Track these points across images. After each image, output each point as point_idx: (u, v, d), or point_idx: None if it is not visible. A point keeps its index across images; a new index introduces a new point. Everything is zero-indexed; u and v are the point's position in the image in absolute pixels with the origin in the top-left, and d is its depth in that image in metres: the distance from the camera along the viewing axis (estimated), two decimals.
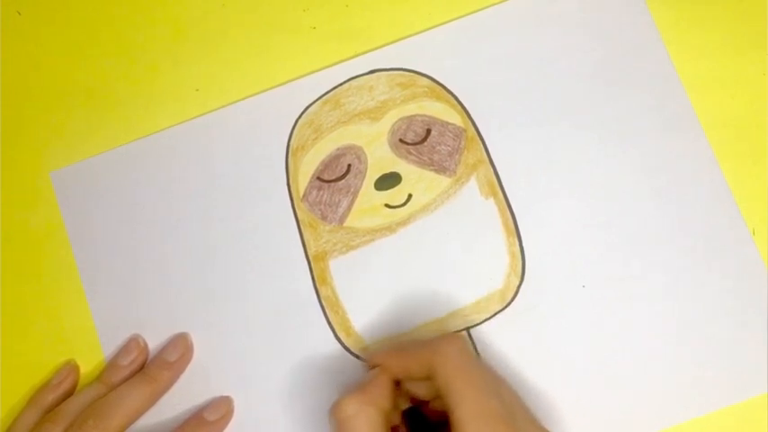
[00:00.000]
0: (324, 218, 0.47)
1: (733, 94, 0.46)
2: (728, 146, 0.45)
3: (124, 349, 0.46)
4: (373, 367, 0.41)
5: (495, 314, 0.45)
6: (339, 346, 0.46)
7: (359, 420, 0.37)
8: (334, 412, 0.38)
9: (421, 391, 0.40)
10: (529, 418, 0.38)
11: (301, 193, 0.47)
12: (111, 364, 0.46)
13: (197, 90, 0.50)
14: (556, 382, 0.44)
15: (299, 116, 0.48)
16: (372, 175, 0.47)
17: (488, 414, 0.36)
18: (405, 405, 0.41)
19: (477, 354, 0.45)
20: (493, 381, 0.38)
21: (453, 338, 0.39)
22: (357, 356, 0.45)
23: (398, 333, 0.45)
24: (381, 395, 0.39)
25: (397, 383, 0.40)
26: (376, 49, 0.49)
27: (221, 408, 0.45)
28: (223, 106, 0.49)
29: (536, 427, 0.38)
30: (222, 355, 0.46)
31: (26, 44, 0.52)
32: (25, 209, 0.49)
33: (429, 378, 0.38)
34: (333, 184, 0.47)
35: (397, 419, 0.40)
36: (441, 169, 0.47)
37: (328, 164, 0.48)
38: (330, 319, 0.46)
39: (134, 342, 0.46)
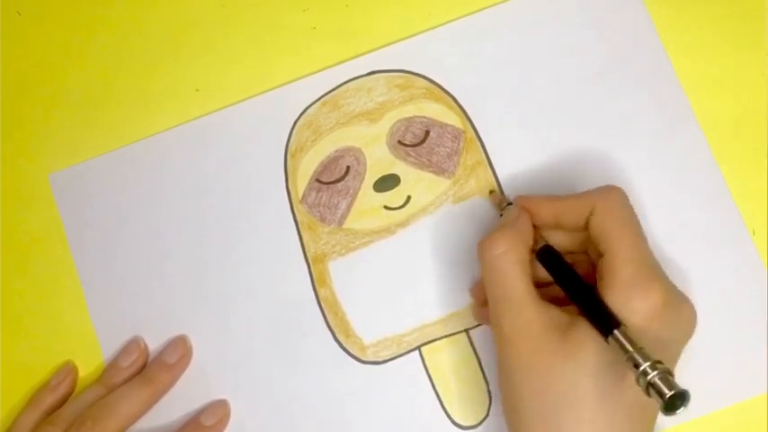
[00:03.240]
0: (323, 219, 0.47)
1: (732, 94, 0.46)
2: (727, 146, 0.45)
3: (124, 351, 0.46)
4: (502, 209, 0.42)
5: None
6: (338, 347, 0.46)
7: (510, 257, 0.38)
8: (485, 250, 0.39)
9: (560, 240, 0.41)
10: (671, 281, 0.38)
11: (300, 195, 0.47)
12: (112, 366, 0.46)
13: (197, 90, 0.50)
14: None
15: (298, 118, 0.48)
16: (371, 176, 0.47)
17: (643, 261, 0.37)
18: (538, 247, 0.40)
19: (477, 354, 0.45)
20: (646, 238, 0.39)
21: (616, 188, 0.39)
22: (356, 358, 0.45)
23: (398, 334, 0.45)
24: (528, 234, 0.40)
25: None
26: (375, 49, 0.49)
27: (218, 412, 0.45)
28: (223, 107, 0.49)
29: (678, 289, 0.38)
30: (221, 356, 0.46)
31: (26, 44, 0.52)
32: (24, 211, 0.50)
33: (577, 229, 0.39)
34: (332, 185, 0.47)
35: None
36: (439, 171, 0.47)
37: (327, 165, 0.48)
38: (329, 321, 0.46)
39: (134, 344, 0.46)
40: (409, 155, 0.47)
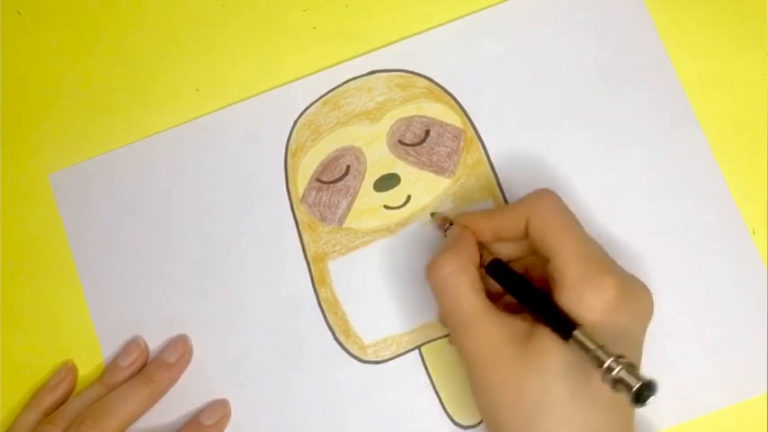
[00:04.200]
0: (323, 219, 0.47)
1: (732, 94, 0.46)
2: (728, 146, 0.45)
3: (124, 350, 0.46)
4: (445, 230, 0.42)
5: None
6: (338, 347, 0.46)
7: (457, 276, 0.38)
8: (432, 273, 0.39)
9: (507, 250, 0.41)
10: (620, 266, 0.38)
11: (300, 195, 0.47)
12: (112, 366, 0.46)
13: (197, 90, 0.50)
14: None
15: (298, 117, 0.48)
16: (371, 176, 0.47)
17: (588, 257, 0.37)
18: (486, 262, 0.40)
19: None
20: (587, 233, 0.39)
21: (546, 192, 0.39)
22: (356, 357, 0.45)
23: (398, 333, 0.45)
24: (472, 251, 0.40)
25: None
26: (375, 49, 0.49)
27: (218, 411, 0.45)
28: (223, 107, 0.49)
29: (629, 274, 0.38)
30: (221, 356, 0.46)
31: (26, 44, 0.52)
32: (24, 211, 0.50)
33: (520, 238, 0.39)
34: (332, 185, 0.47)
35: None
36: (440, 170, 0.47)
37: (327, 165, 0.48)
38: (329, 321, 0.46)
39: (134, 343, 0.47)
40: (409, 154, 0.47)
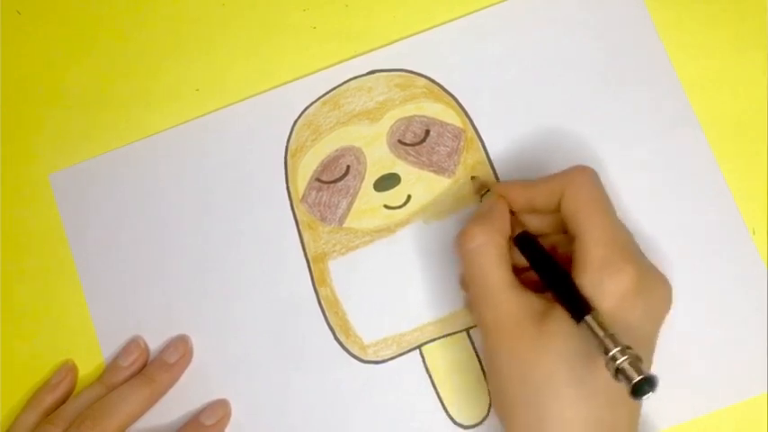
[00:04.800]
0: (323, 219, 0.47)
1: (732, 94, 0.46)
2: (728, 146, 0.45)
3: (125, 350, 0.46)
4: (482, 196, 0.43)
5: None
6: (338, 347, 0.46)
7: (486, 249, 0.38)
8: (462, 243, 0.39)
9: (536, 224, 0.41)
10: (645, 257, 0.38)
11: (300, 195, 0.47)
12: (112, 366, 0.46)
13: (197, 90, 0.50)
14: None
15: (298, 117, 0.48)
16: (371, 176, 0.47)
17: (613, 242, 0.37)
18: (515, 233, 0.41)
19: (477, 354, 0.45)
20: (619, 218, 0.39)
21: (585, 169, 0.39)
22: (356, 357, 0.45)
23: (398, 333, 0.45)
24: (505, 223, 0.40)
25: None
26: (375, 49, 0.49)
27: (218, 411, 0.45)
28: (223, 107, 0.49)
29: (652, 265, 0.38)
30: (221, 356, 0.46)
31: (26, 44, 0.52)
32: (24, 211, 0.50)
33: (552, 211, 0.39)
34: (332, 185, 0.47)
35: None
36: (440, 170, 0.47)
37: (327, 165, 0.48)
38: (329, 321, 0.46)
39: (135, 343, 0.47)
40: (409, 154, 0.47)
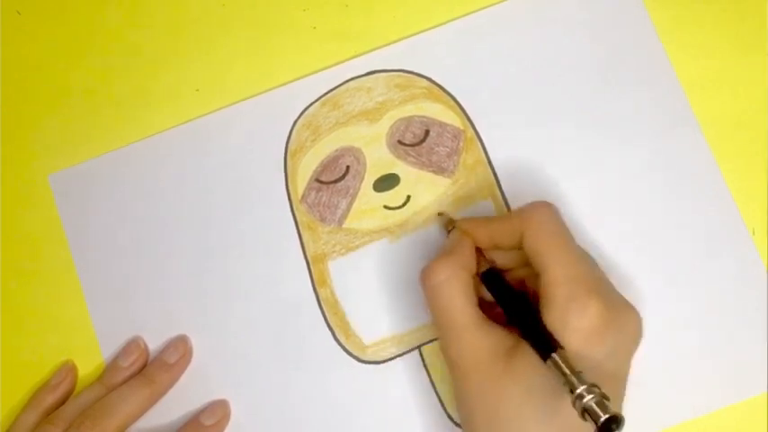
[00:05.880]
0: (323, 219, 0.47)
1: (732, 94, 0.46)
2: (727, 146, 0.45)
3: (124, 351, 0.46)
4: (448, 232, 0.42)
5: None
6: (338, 347, 0.46)
7: (452, 283, 0.38)
8: (426, 278, 0.39)
9: (503, 260, 0.41)
10: (612, 288, 0.38)
11: (300, 195, 0.47)
12: (112, 366, 0.46)
13: (197, 90, 0.50)
14: None
15: (298, 117, 0.48)
16: (371, 176, 0.47)
17: (578, 278, 0.36)
18: (482, 269, 0.40)
19: None
20: (582, 250, 0.39)
21: (543, 204, 0.39)
22: (356, 358, 0.45)
23: (398, 334, 0.45)
24: (469, 258, 0.39)
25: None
26: (375, 49, 0.49)
27: (218, 411, 0.45)
28: (223, 107, 0.49)
29: (620, 297, 0.38)
30: (221, 357, 0.46)
31: (26, 44, 0.52)
32: (24, 211, 0.50)
33: (516, 247, 0.39)
34: (331, 185, 0.47)
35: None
36: (439, 170, 0.47)
37: (327, 165, 0.48)
38: (329, 321, 0.46)
39: (134, 344, 0.47)
40: (409, 154, 0.47)
